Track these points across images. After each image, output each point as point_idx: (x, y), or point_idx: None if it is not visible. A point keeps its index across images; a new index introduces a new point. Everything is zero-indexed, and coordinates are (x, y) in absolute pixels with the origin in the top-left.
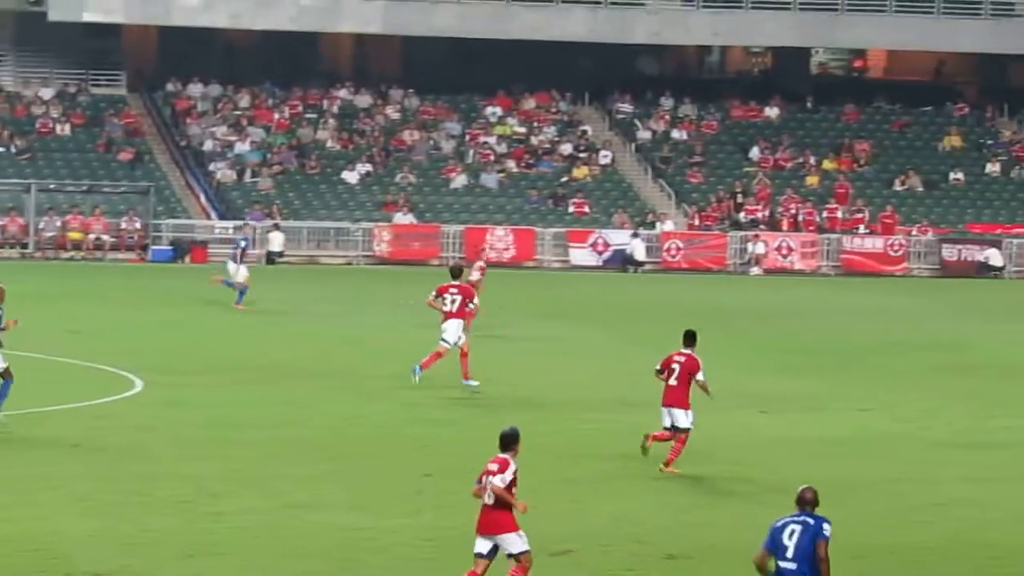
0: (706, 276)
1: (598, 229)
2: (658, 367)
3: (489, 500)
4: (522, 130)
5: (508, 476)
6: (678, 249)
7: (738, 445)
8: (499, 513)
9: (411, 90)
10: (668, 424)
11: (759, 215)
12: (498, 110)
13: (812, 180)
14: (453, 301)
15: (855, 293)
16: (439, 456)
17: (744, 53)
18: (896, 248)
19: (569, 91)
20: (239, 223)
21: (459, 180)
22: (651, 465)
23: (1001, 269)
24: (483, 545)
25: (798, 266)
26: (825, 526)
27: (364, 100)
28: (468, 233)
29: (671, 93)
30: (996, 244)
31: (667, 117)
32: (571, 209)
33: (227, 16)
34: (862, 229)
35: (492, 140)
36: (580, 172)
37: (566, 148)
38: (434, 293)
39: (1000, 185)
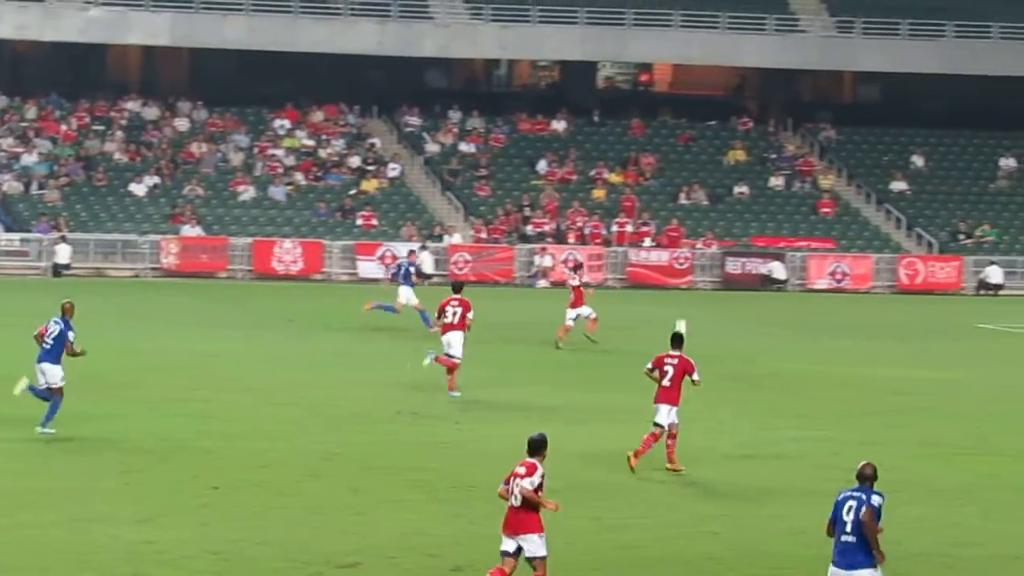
0: (493, 289)
1: (386, 242)
2: (649, 366)
3: (516, 502)
4: (310, 143)
5: (536, 479)
6: (466, 262)
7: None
8: (525, 514)
9: (199, 102)
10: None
11: (546, 228)
12: (286, 123)
13: (599, 193)
14: (454, 313)
15: (641, 305)
16: (227, 469)
17: (532, 67)
18: (681, 261)
19: (358, 104)
20: (414, 247)
21: (247, 193)
22: (442, 477)
23: (784, 282)
24: (509, 544)
25: (585, 279)
26: (875, 498)
27: (152, 112)
28: (256, 246)
29: (459, 106)
30: (779, 257)
31: (455, 130)
32: (359, 222)
33: (13, 27)
34: (648, 242)
35: (280, 153)
36: (368, 185)
37: (354, 161)
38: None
39: (783, 199)
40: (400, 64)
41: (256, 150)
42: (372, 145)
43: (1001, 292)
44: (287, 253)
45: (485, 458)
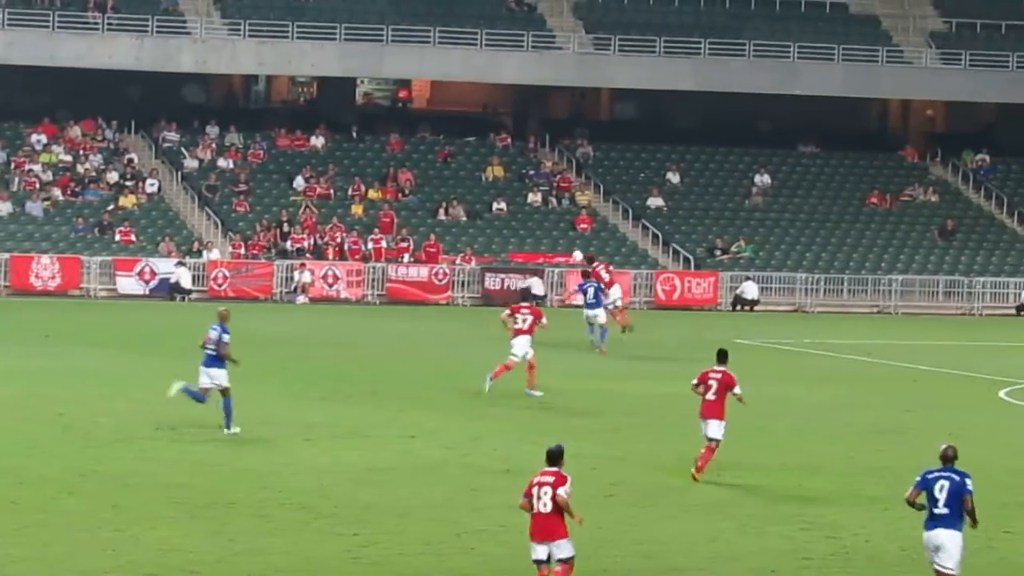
0: (253, 304)
1: (145, 258)
2: (695, 382)
3: (545, 509)
4: (68, 158)
5: (569, 487)
6: (225, 278)
7: (287, 473)
8: (554, 520)
9: None
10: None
11: (305, 244)
12: (43, 137)
13: (357, 209)
14: (524, 320)
15: (400, 321)
16: None
17: (290, 83)
18: (440, 277)
19: (115, 119)
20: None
21: (4, 208)
22: (202, 494)
23: (543, 297)
24: (541, 551)
25: (344, 295)
26: (967, 481)
27: None
28: (13, 261)
29: (217, 122)
30: (538, 273)
31: (213, 146)
32: (118, 238)
33: None
34: (407, 258)
35: (37, 168)
36: (127, 201)
37: (112, 176)
38: (508, 311)
39: (542, 215)
40: (158, 79)
41: (13, 165)
42: (130, 160)
43: (756, 308)
44: (45, 269)
45: (245, 475)
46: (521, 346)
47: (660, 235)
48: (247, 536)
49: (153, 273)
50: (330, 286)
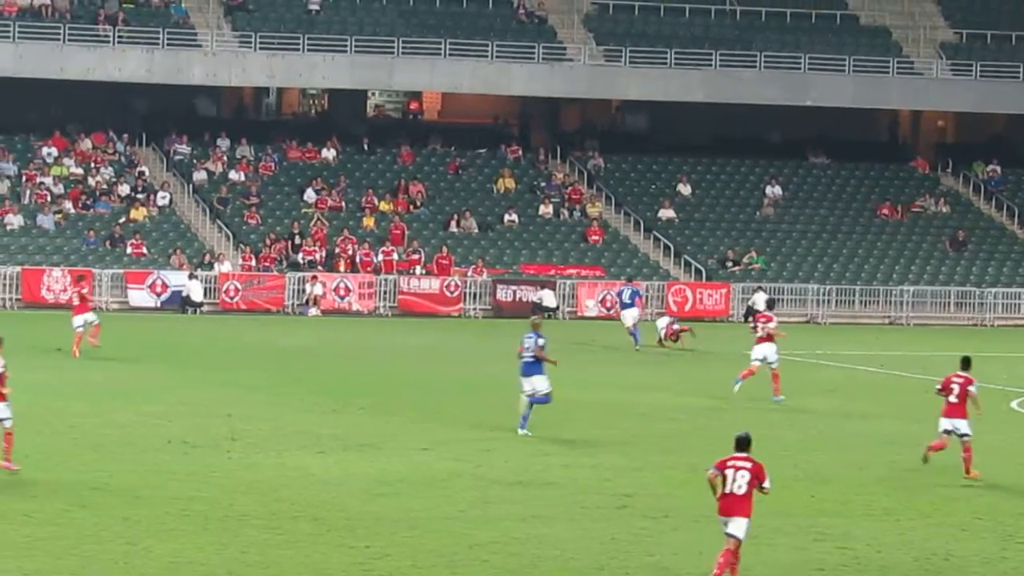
0: (265, 317)
1: (156, 270)
2: (938, 387)
3: (740, 491)
4: (79, 171)
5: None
6: (236, 290)
7: (299, 485)
8: (744, 501)
9: None
10: (947, 428)
11: (316, 256)
12: (54, 150)
13: (368, 221)
14: (764, 328)
15: (412, 333)
16: None
17: (301, 95)
18: (452, 289)
19: (126, 132)
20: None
21: (15, 221)
22: (213, 507)
23: (555, 309)
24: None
25: (355, 307)
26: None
27: None
28: (25, 274)
29: (228, 134)
30: (550, 285)
31: (224, 158)
32: (129, 250)
33: None
34: (418, 270)
35: (48, 181)
36: (138, 213)
37: (124, 189)
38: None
39: (553, 227)
40: (169, 92)
41: (24, 178)
42: (141, 173)
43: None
44: (56, 282)
45: (256, 487)
46: (767, 352)
47: (672, 247)
48: (258, 548)
49: (164, 286)
50: (342, 298)
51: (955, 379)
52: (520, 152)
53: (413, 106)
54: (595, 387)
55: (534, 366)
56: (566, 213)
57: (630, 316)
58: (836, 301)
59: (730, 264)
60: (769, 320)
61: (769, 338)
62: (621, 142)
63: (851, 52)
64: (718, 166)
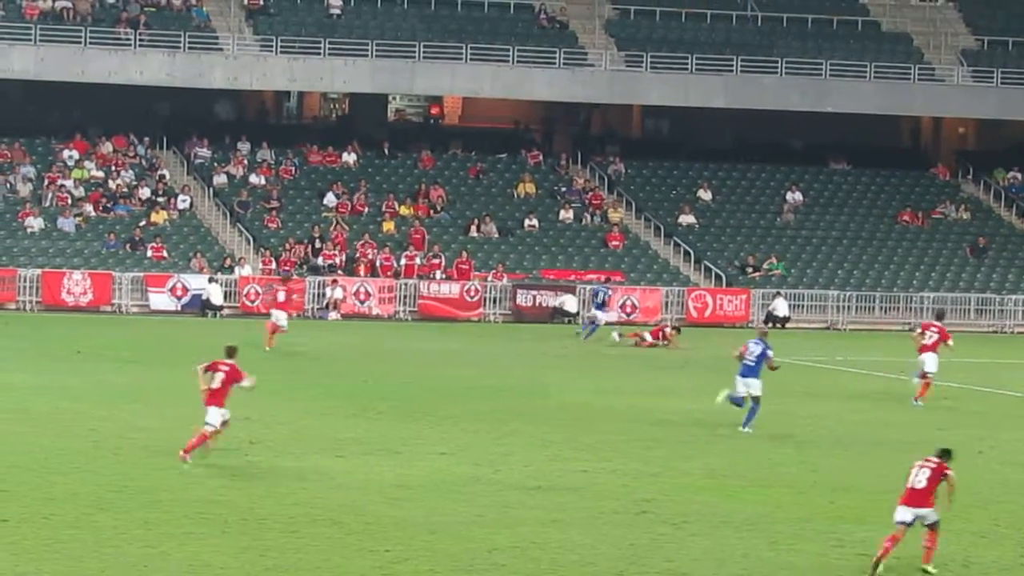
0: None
1: (176, 274)
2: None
3: (919, 485)
4: (99, 174)
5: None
6: (257, 294)
7: (318, 488)
8: (926, 494)
9: None
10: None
11: (336, 260)
12: (75, 153)
13: (389, 226)
14: (931, 336)
15: (432, 338)
16: (13, 501)
17: (321, 99)
18: (472, 294)
19: (147, 135)
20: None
21: (36, 223)
22: (232, 510)
23: (576, 315)
24: (907, 515)
25: (375, 311)
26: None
27: None
28: (45, 276)
29: (248, 138)
30: (570, 290)
31: (245, 162)
32: (149, 253)
33: None
34: (438, 275)
35: (69, 184)
36: (158, 216)
37: (144, 192)
38: (919, 330)
39: (573, 232)
40: (190, 95)
41: (45, 181)
42: (162, 177)
43: (788, 325)
44: (76, 284)
45: (276, 491)
46: (931, 363)
47: (692, 252)
48: (278, 552)
49: (185, 289)
50: (362, 302)
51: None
52: (541, 157)
53: (434, 111)
54: (612, 393)
55: (753, 369)
56: (587, 218)
57: (601, 315)
58: (856, 308)
59: (750, 270)
60: (942, 330)
61: (934, 347)
62: (642, 148)
63: (872, 58)
64: (739, 172)
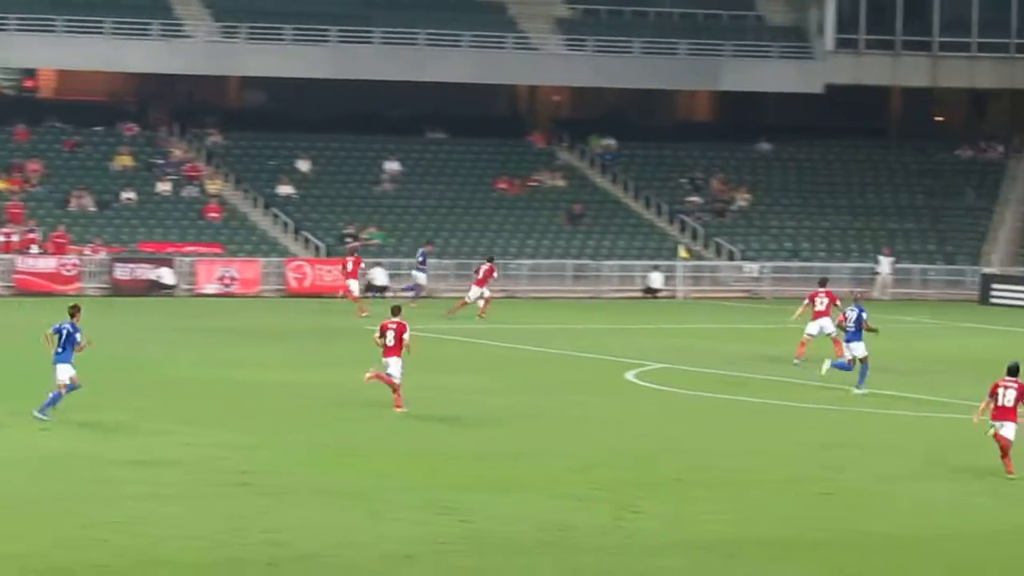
0: None
1: None
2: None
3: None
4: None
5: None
6: None
7: None
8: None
9: None
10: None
11: None
12: None
13: None
14: (821, 302)
15: (29, 313)
16: None
17: None
18: (69, 268)
19: None
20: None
21: None
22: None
23: (173, 287)
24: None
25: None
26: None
27: None
28: None
29: None
30: (168, 263)
31: None
32: None
33: None
34: (35, 249)
35: None
36: None
37: None
38: (806, 301)
39: (171, 204)
40: None
41: None
42: None
43: (387, 294)
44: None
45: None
46: (827, 326)
47: (291, 223)
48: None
49: None
50: None
51: (1004, 384)
52: (137, 129)
53: (29, 83)
54: (218, 365)
55: (856, 334)
56: (185, 190)
57: (423, 277)
58: (455, 275)
59: (349, 240)
60: (830, 295)
61: (827, 311)
62: (241, 119)
63: (467, 28)
64: (337, 142)
